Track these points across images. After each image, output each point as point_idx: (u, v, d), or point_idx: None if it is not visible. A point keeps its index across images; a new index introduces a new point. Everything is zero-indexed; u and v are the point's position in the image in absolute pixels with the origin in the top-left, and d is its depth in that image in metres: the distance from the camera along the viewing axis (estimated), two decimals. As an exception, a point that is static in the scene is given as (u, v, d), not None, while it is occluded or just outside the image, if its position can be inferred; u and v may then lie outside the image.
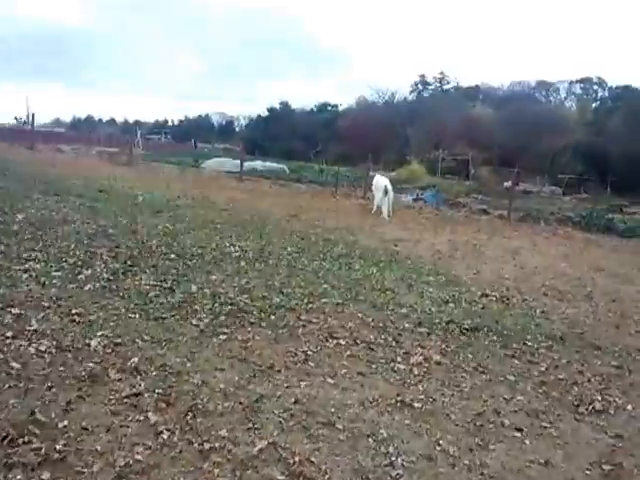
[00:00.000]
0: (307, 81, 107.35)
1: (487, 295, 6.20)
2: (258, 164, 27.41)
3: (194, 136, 60.10)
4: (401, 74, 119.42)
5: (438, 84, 68.60)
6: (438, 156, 42.46)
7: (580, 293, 6.96)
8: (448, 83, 68.26)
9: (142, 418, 2.74)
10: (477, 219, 13.24)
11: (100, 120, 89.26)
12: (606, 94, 61.91)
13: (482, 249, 9.31)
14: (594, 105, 61.96)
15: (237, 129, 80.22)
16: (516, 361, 4.33)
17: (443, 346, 4.41)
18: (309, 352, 3.88)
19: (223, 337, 3.92)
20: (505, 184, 37.16)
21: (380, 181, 12.63)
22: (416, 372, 3.84)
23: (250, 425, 2.82)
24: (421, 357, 4.10)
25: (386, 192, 12.07)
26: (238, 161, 26.98)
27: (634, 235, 14.70)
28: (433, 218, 12.40)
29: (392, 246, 8.50)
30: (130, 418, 2.73)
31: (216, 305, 4.53)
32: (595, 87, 64.51)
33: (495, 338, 4.76)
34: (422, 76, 67.64)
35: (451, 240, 9.80)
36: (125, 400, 2.88)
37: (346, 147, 47.76)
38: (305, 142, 49.93)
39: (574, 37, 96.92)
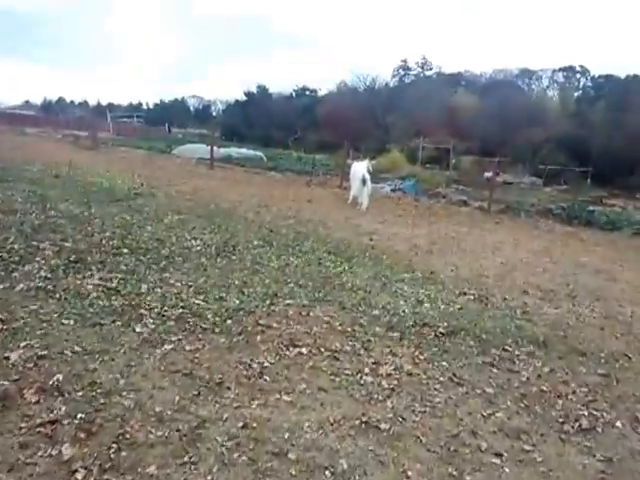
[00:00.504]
0: (287, 65, 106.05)
1: (465, 294, 5.88)
2: (233, 151, 26.76)
3: (169, 120, 58.87)
4: (383, 59, 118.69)
5: (420, 69, 68.13)
6: (419, 144, 42.23)
7: (563, 291, 6.69)
8: (430, 69, 67.81)
9: (55, 452, 2.33)
10: (457, 211, 12.96)
11: (72, 102, 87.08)
12: (589, 83, 62.35)
13: (461, 243, 9.01)
14: (576, 94, 62.40)
15: (214, 114, 78.98)
16: (495, 370, 4.02)
17: (416, 353, 4.07)
18: (266, 364, 3.50)
19: (169, 347, 3.52)
20: (485, 174, 37.17)
21: (358, 170, 12.16)
22: (385, 385, 3.50)
23: (186, 459, 2.44)
24: (391, 367, 3.75)
25: (364, 182, 11.64)
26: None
27: (614, 228, 14.61)
28: (411, 209, 12.08)
29: (367, 240, 8.14)
30: (40, 453, 2.32)
31: (165, 308, 4.12)
32: (578, 75, 64.86)
33: (473, 343, 4.44)
34: (404, 61, 67.15)
35: (429, 233, 9.49)
36: (38, 429, 2.47)
37: (325, 134, 47.18)
38: (283, 128, 49.18)
39: (557, 25, 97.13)
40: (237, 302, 4.48)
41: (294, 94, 62.90)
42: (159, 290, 4.48)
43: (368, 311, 4.82)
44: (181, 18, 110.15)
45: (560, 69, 64.09)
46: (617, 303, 6.45)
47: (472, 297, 5.80)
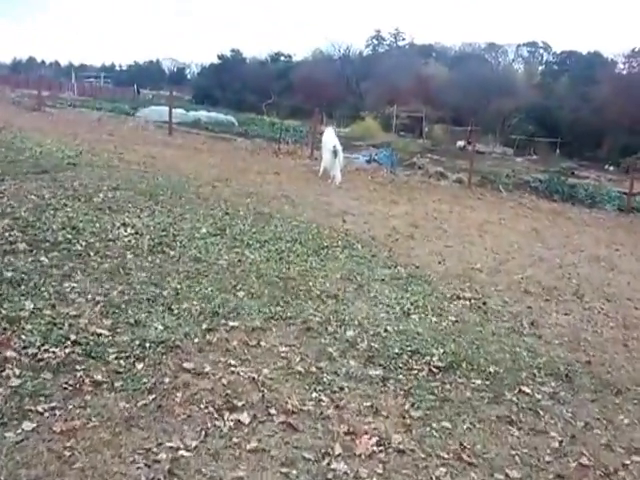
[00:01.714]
0: (262, 30, 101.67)
1: (459, 297, 4.62)
2: (202, 115, 24.83)
3: (142, 82, 55.57)
4: (357, 28, 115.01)
5: (393, 40, 66.28)
6: (392, 112, 40.64)
7: (567, 288, 5.49)
8: (403, 40, 66.23)
9: None
10: (435, 185, 11.65)
11: (43, 63, 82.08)
12: (551, 58, 61.84)
13: (444, 224, 7.73)
14: (540, 68, 61.67)
15: (189, 77, 75.46)
16: (515, 431, 2.76)
17: (407, 407, 2.79)
18: (182, 451, 2.16)
19: (28, 426, 2.14)
20: (459, 143, 36.01)
21: (328, 141, 10.64)
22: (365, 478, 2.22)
23: None
24: (373, 440, 2.46)
25: (335, 153, 10.15)
26: (179, 110, 24.42)
27: (594, 203, 13.61)
28: (387, 184, 10.71)
29: (340, 222, 6.77)
30: None
31: (47, 346, 2.71)
32: (541, 51, 64.31)
33: (479, 382, 3.17)
34: (378, 31, 65.00)
35: (409, 213, 8.17)
36: None
37: (300, 100, 45.07)
38: (257, 93, 46.56)
39: (522, 1, 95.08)
40: (159, 329, 3.09)
41: (269, 59, 60.16)
42: (48, 312, 3.06)
43: (339, 333, 3.50)
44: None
45: (524, 44, 63.80)
46: (631, 305, 5.30)
47: (467, 302, 4.53)
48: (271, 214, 6.45)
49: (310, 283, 4.28)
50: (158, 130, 14.27)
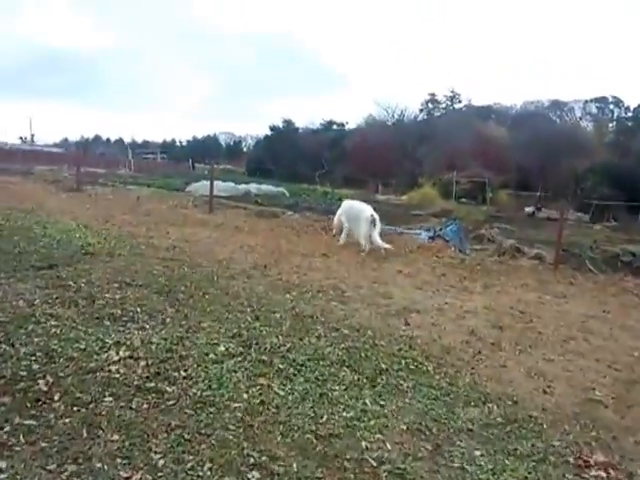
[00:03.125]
0: (313, 100, 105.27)
1: (588, 464, 3.14)
2: (253, 187, 24.59)
3: (200, 157, 57.55)
4: (410, 93, 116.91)
5: (449, 103, 66.08)
6: (452, 178, 39.51)
7: None
8: (459, 102, 65.84)
9: None
10: (515, 266, 10.14)
11: (108, 140, 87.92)
12: (623, 114, 59.48)
13: (537, 323, 6.23)
14: (612, 125, 59.30)
15: (245, 149, 78.35)
16: None
17: None
18: None
19: None
20: (527, 209, 34.05)
21: (363, 209, 9.96)
22: None
23: None
24: None
25: (374, 222, 9.48)
26: (229, 184, 24.31)
27: None
28: (458, 265, 9.33)
29: (402, 325, 5.46)
30: None
31: None
32: (611, 106, 61.97)
33: None
34: (432, 95, 65.13)
35: (488, 306, 6.73)
36: None
37: (353, 168, 45.01)
38: (310, 163, 47.09)
39: (587, 56, 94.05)
40: None
41: (321, 128, 61.23)
42: None
43: None
44: (215, 59, 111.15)
45: (592, 100, 61.44)
46: None
47: (604, 474, 3.05)
48: (314, 316, 5.24)
49: (362, 445, 2.96)
50: (199, 207, 13.65)
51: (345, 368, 4.03)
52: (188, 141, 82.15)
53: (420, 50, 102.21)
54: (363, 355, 4.34)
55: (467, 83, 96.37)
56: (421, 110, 64.34)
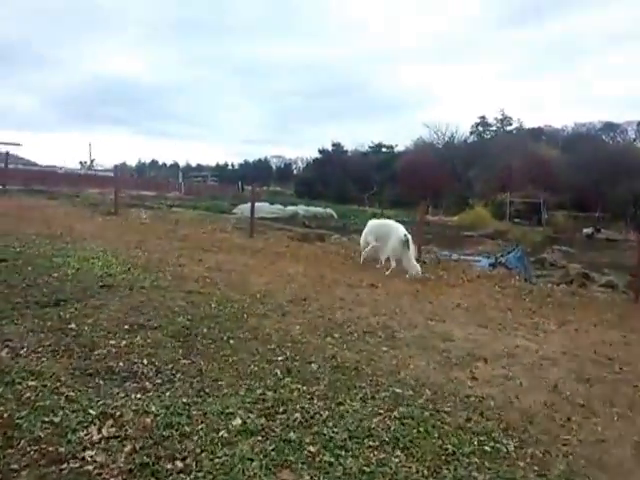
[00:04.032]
0: (362, 123, 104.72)
1: None
2: (300, 208, 23.87)
3: (251, 179, 57.80)
4: (459, 116, 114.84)
5: (499, 125, 64.36)
6: (505, 199, 37.64)
7: None
8: (510, 124, 64.12)
9: None
10: (588, 298, 8.73)
11: (164, 164, 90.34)
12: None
13: (628, 373, 4.95)
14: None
15: (295, 172, 78.52)
16: None
17: None
18: None
19: None
20: (585, 231, 31.77)
21: (397, 227, 9.40)
22: None
23: None
24: None
25: (407, 243, 8.93)
26: (277, 206, 23.67)
27: None
28: (524, 297, 8.06)
29: (467, 379, 4.33)
30: None
31: None
32: (667, 127, 58.59)
33: None
34: (482, 117, 63.64)
35: (568, 350, 5.47)
36: None
37: (403, 189, 43.88)
38: (359, 184, 46.31)
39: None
40: None
41: (370, 151, 60.51)
42: None
43: None
44: (267, 89, 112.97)
45: (647, 121, 58.24)
46: None
47: None
48: (359, 367, 4.20)
49: None
50: (242, 230, 12.88)
51: (398, 451, 2.97)
52: (240, 164, 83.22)
53: (469, 73, 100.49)
54: (422, 430, 3.26)
55: (517, 105, 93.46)
56: (471, 132, 62.97)
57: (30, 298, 4.81)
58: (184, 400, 3.22)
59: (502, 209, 36.02)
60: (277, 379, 3.77)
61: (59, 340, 3.90)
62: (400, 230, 9.29)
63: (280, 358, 4.19)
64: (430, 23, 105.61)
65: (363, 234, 10.03)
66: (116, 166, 16.47)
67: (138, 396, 3.22)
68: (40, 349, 3.71)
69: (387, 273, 8.87)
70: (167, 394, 3.29)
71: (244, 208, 22.12)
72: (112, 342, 4.01)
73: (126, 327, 4.40)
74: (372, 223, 10.31)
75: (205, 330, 4.58)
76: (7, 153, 22.09)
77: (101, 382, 3.35)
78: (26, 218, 10.18)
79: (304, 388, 3.67)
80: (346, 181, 47.49)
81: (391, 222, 10.23)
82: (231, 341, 4.43)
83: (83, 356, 3.70)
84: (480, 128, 63.94)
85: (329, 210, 25.48)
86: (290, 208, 23.81)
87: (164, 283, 6.08)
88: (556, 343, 5.86)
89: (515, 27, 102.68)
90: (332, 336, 4.98)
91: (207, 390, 3.41)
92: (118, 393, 3.23)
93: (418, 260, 9.69)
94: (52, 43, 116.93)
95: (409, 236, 9.15)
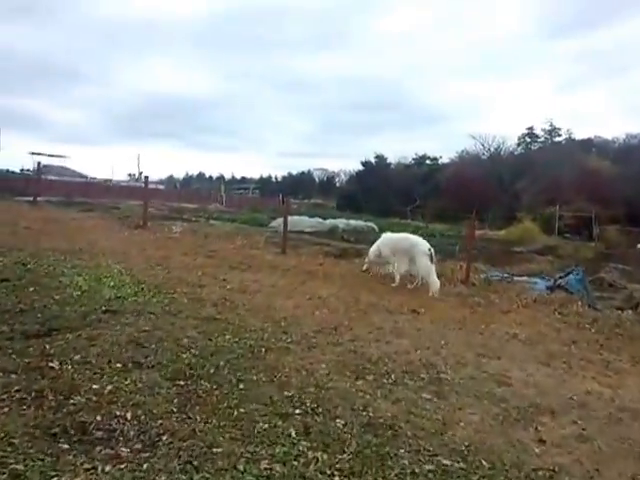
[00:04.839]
0: (406, 135, 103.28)
1: None
2: (341, 222, 23.02)
3: (294, 192, 57.56)
4: (506, 127, 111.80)
5: (547, 136, 61.76)
6: (554, 213, 35.66)
7: None
8: (559, 135, 61.37)
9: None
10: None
11: (210, 177, 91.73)
12: None
13: None
14: None
15: (337, 184, 77.94)
16: None
17: None
18: None
19: None
20: (639, 246, 29.59)
21: (421, 241, 8.83)
22: None
23: None
24: None
25: (432, 257, 8.41)
26: (316, 219, 22.93)
27: None
28: (589, 326, 6.93)
29: (533, 441, 3.38)
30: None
31: None
32: None
33: None
34: (530, 128, 61.15)
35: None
36: None
37: (447, 202, 42.33)
38: (402, 197, 45.04)
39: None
40: None
41: (413, 163, 59.19)
42: None
43: None
44: (311, 102, 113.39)
45: (703, 132, 54.72)
46: None
47: None
48: (395, 426, 3.32)
49: None
50: (273, 246, 12.16)
51: None
52: (283, 177, 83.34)
53: (517, 85, 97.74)
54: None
55: (566, 116, 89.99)
56: (518, 144, 60.59)
57: (18, 326, 4.18)
58: (163, 479, 2.43)
59: (551, 223, 34.10)
60: (291, 443, 2.94)
61: (31, 384, 3.20)
62: (423, 244, 8.74)
63: (298, 411, 3.36)
64: (477, 36, 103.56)
65: (375, 247, 9.26)
66: (146, 177, 16.05)
67: (107, 469, 2.46)
68: (4, 396, 3.01)
69: (410, 286, 8.42)
70: (144, 466, 2.52)
71: (282, 221, 21.50)
72: (95, 387, 3.29)
73: (118, 365, 3.67)
74: (389, 236, 9.60)
75: (212, 370, 3.80)
76: (39, 164, 22.34)
77: (65, 446, 2.62)
78: (47, 232, 9.77)
79: (324, 457, 2.83)
80: (388, 194, 46.35)
81: (410, 236, 9.64)
82: (241, 385, 3.63)
83: (54, 407, 2.99)
84: (527, 139, 61.56)
85: (370, 224, 24.50)
86: (330, 221, 23.01)
87: (177, 307, 5.36)
88: (633, 388, 4.80)
89: (564, 37, 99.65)
90: (364, 378, 4.11)
91: (196, 462, 2.61)
92: (82, 464, 2.48)
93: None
94: (103, 60, 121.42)
95: (432, 250, 8.59)
